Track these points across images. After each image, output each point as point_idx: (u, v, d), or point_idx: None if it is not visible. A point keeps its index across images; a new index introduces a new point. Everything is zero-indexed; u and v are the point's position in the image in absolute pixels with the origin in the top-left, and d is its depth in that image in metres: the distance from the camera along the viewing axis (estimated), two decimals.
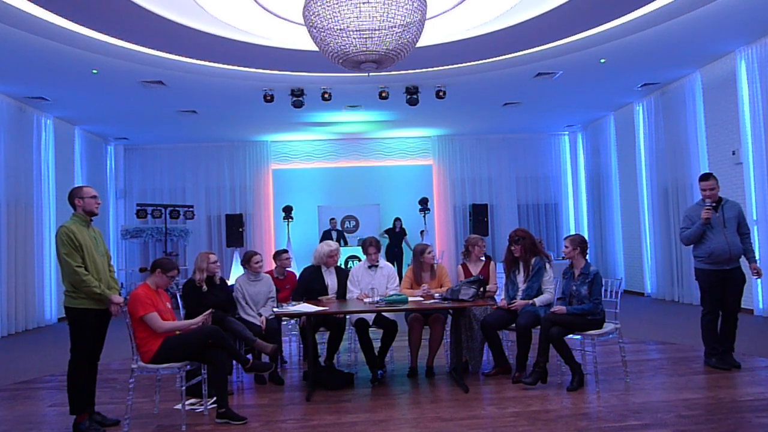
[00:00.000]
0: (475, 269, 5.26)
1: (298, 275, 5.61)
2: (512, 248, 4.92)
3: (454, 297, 4.63)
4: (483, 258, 5.40)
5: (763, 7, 6.37)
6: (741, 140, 7.73)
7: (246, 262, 5.20)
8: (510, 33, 6.99)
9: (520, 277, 4.92)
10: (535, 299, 4.77)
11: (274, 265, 5.80)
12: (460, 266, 5.42)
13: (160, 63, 7.52)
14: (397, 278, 5.32)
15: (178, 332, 3.98)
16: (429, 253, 5.23)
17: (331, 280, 5.26)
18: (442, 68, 8.24)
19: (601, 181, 12.06)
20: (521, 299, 4.82)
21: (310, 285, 5.18)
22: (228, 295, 5.00)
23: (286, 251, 5.85)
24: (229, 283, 5.60)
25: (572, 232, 10.16)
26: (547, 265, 4.93)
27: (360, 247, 5.64)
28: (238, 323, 4.65)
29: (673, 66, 8.48)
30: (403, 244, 11.88)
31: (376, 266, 5.24)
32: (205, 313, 4.13)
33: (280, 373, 5.03)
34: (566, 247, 4.63)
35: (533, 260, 4.89)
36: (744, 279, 4.88)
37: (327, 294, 5.16)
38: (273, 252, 6.44)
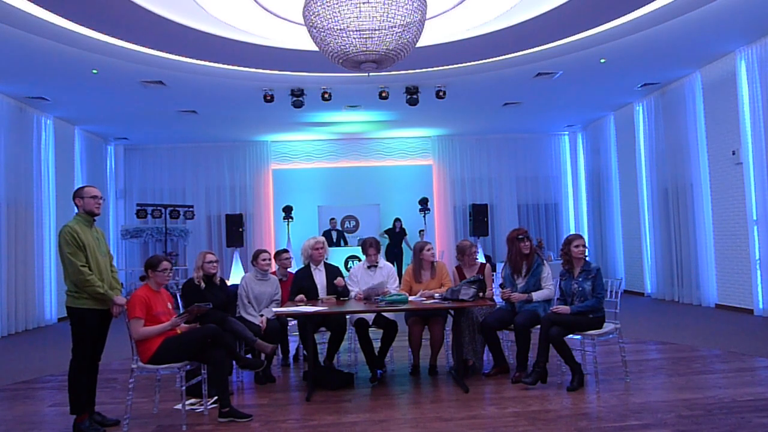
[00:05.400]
0: (470, 273, 5.24)
1: None
2: (523, 245, 4.91)
3: (454, 297, 4.63)
4: (483, 260, 5.40)
5: (763, 7, 6.37)
6: (741, 140, 7.73)
7: (254, 259, 5.25)
8: (510, 33, 6.99)
9: (522, 275, 4.92)
10: (533, 293, 4.78)
11: (275, 266, 5.80)
12: (455, 269, 5.41)
13: (160, 63, 7.53)
14: (397, 278, 5.32)
15: (179, 331, 3.99)
16: (428, 250, 5.22)
17: (320, 279, 5.23)
18: (442, 68, 8.24)
19: (601, 181, 12.06)
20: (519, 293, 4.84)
21: (301, 285, 5.16)
22: (227, 295, 4.99)
23: (286, 251, 5.85)
24: (229, 283, 5.60)
25: (572, 232, 10.17)
26: (545, 262, 4.96)
27: (360, 247, 5.63)
28: (238, 323, 4.64)
29: (673, 66, 8.48)
30: (403, 244, 11.88)
31: (376, 266, 5.23)
32: (181, 315, 4.08)
33: (281, 372, 5.03)
34: (583, 246, 4.62)
35: (533, 257, 4.93)
36: None
37: (317, 293, 5.13)
38: (273, 252, 6.45)
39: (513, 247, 4.96)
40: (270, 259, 5.27)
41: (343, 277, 5.28)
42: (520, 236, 4.94)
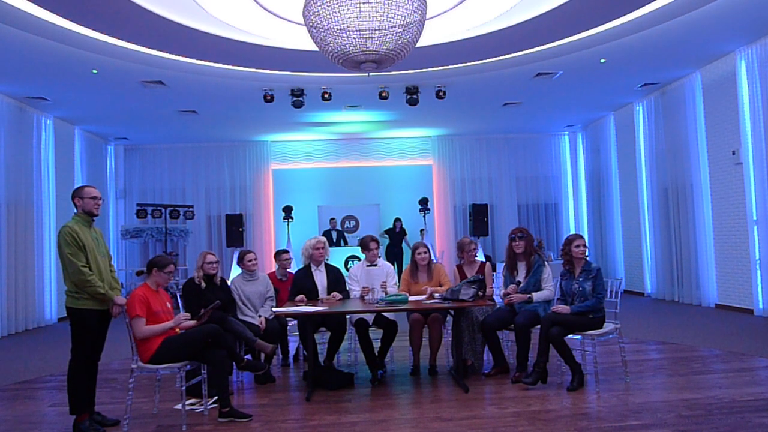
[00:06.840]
0: (470, 271, 5.25)
1: None
2: (515, 244, 4.92)
3: (454, 297, 4.63)
4: (483, 259, 5.40)
5: (763, 7, 6.37)
6: (741, 140, 7.73)
7: (240, 260, 5.23)
8: (510, 33, 6.99)
9: (521, 275, 4.92)
10: (532, 294, 4.78)
11: (275, 266, 5.79)
12: (455, 268, 5.41)
13: (160, 63, 7.52)
14: (396, 276, 5.31)
15: (178, 330, 4.00)
16: (419, 253, 5.21)
17: (320, 279, 5.22)
18: (442, 68, 8.24)
19: (601, 181, 12.06)
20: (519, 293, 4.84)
21: (301, 286, 5.17)
22: (228, 295, 4.99)
23: (286, 251, 5.85)
24: (229, 283, 5.60)
25: (572, 232, 10.17)
26: (546, 263, 4.96)
27: (359, 247, 5.61)
28: (238, 323, 4.65)
29: (673, 66, 8.48)
30: (403, 244, 11.88)
31: (375, 265, 5.22)
32: (200, 317, 4.17)
33: (281, 372, 5.03)
34: (583, 246, 4.62)
35: (532, 258, 4.92)
36: None
37: (317, 294, 5.13)
38: (274, 252, 6.45)
39: (507, 245, 5.02)
40: (255, 260, 5.26)
41: (344, 279, 5.27)
42: (512, 235, 4.97)
